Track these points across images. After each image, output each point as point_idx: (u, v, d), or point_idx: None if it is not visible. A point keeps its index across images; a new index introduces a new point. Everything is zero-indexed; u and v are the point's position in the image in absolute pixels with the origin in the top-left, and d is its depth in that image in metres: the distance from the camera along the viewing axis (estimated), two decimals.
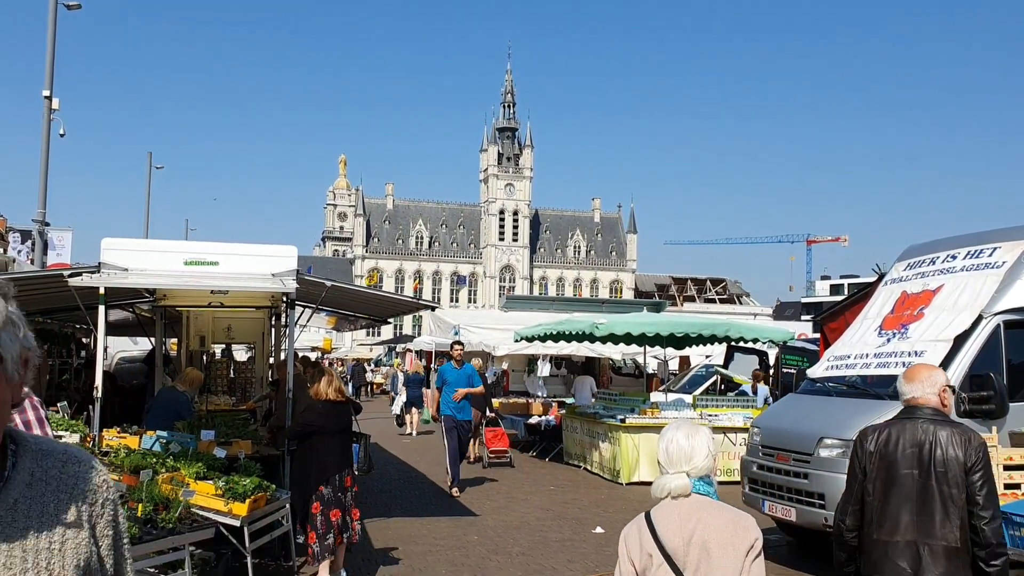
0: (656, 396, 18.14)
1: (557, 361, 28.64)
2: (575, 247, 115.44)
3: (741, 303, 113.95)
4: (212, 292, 10.39)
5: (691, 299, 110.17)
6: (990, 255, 8.87)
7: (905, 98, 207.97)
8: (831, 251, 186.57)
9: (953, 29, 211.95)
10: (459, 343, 14.34)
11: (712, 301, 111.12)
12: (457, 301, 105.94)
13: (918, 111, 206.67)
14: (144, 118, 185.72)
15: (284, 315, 10.34)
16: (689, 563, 3.02)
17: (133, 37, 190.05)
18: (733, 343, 17.58)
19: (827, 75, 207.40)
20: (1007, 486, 7.84)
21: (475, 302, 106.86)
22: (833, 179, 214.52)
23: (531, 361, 27.20)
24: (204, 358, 15.75)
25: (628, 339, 16.40)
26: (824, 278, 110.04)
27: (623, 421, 14.52)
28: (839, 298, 30.22)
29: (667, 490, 3.19)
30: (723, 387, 18.67)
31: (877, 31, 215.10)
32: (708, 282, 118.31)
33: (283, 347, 12.31)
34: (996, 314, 8.40)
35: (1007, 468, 7.87)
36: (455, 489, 12.98)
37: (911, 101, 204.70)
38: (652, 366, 22.22)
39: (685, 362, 25.29)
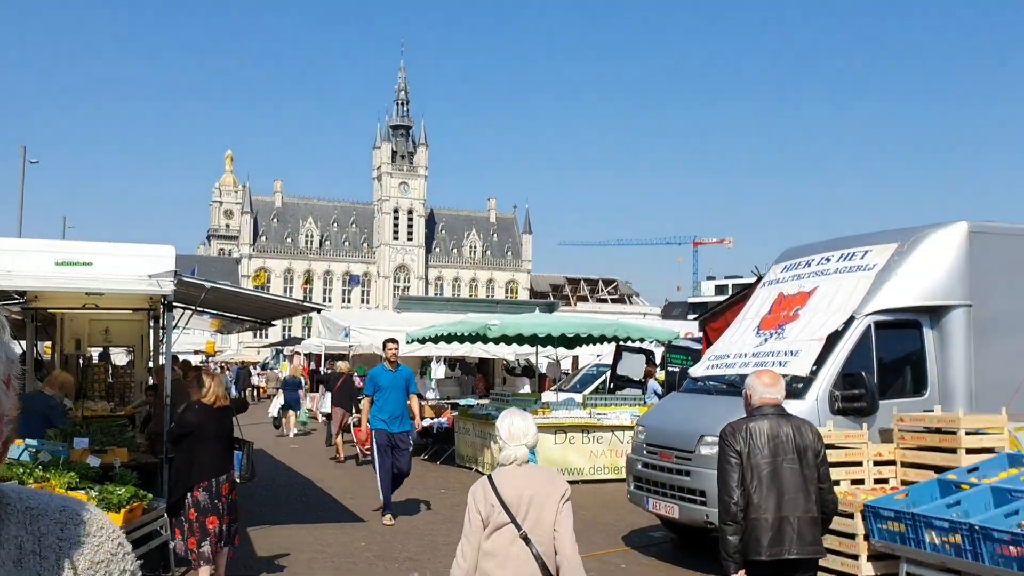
0: (547, 396, 18.31)
1: (451, 362, 28.62)
2: (471, 247, 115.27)
3: (632, 303, 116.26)
4: (87, 294, 9.94)
5: (584, 299, 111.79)
6: (862, 258, 9.20)
7: (783, 104, 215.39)
8: (716, 252, 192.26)
9: (848, 33, 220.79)
10: (393, 341, 11.92)
11: (604, 301, 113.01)
12: (350, 302, 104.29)
13: (796, 116, 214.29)
14: (16, 110, 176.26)
15: (162, 318, 9.97)
16: (520, 510, 4.05)
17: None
18: (621, 343, 17.88)
19: (710, 79, 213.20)
20: (876, 481, 8.14)
21: (368, 303, 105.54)
22: (718, 182, 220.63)
23: (424, 363, 27.07)
24: (80, 362, 15.12)
25: (520, 340, 16.50)
26: (709, 279, 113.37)
27: None
28: (723, 298, 31.10)
29: (515, 458, 4.20)
30: (611, 386, 18.98)
31: (762, 33, 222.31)
32: (600, 282, 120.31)
33: (162, 351, 11.87)
34: (867, 315, 8.67)
35: (877, 463, 8.19)
36: (387, 517, 11.25)
37: (789, 107, 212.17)
38: (544, 366, 22.39)
39: (578, 362, 25.66)
